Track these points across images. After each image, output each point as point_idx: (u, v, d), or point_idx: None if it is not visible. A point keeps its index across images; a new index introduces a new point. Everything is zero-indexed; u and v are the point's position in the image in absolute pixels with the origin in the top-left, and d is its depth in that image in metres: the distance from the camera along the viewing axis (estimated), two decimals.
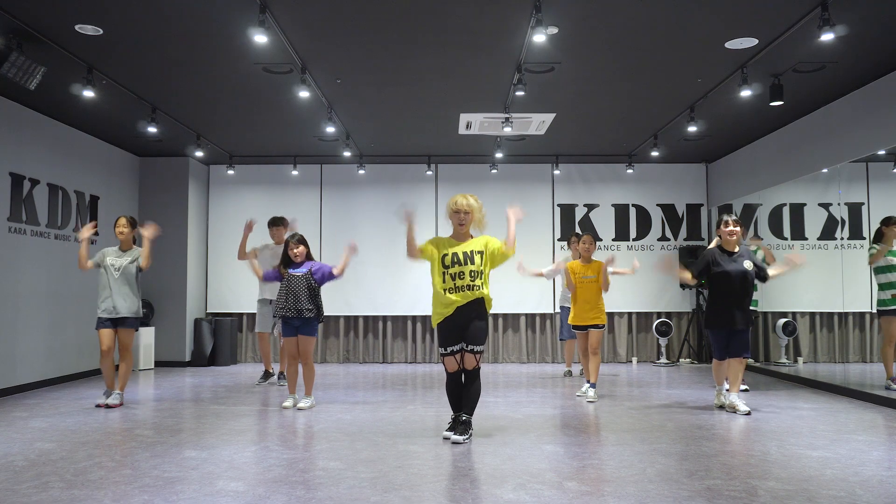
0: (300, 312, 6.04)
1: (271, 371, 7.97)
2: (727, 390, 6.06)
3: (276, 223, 7.86)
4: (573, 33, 5.59)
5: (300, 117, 8.00)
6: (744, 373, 6.14)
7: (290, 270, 6.17)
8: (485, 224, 4.99)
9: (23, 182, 7.39)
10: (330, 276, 6.18)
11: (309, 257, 6.29)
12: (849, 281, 7.50)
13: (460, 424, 4.83)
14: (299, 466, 4.14)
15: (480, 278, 4.81)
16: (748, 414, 5.75)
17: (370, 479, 3.82)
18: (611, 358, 10.46)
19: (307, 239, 6.36)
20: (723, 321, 5.85)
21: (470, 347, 4.82)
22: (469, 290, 4.78)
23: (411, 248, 4.93)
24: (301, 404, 6.16)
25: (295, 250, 6.18)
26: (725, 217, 5.97)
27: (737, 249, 5.91)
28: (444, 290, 4.80)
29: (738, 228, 5.90)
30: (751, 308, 6.11)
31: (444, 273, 4.83)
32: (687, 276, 5.99)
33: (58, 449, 4.60)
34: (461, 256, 4.83)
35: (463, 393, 4.91)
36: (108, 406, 6.23)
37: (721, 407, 6.12)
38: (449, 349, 4.85)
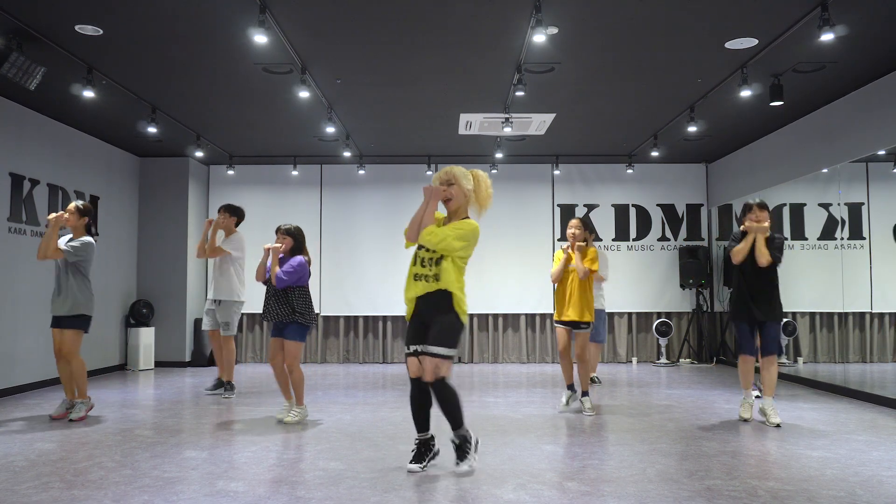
0: (284, 317, 5.55)
1: (224, 379, 7.14)
2: (757, 396, 5.50)
3: (224, 209, 7.20)
4: (573, 33, 5.58)
5: (300, 117, 8.00)
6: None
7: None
8: (484, 199, 4.08)
9: (23, 182, 7.38)
10: (297, 278, 5.58)
11: (298, 252, 5.72)
12: (849, 281, 7.49)
13: (456, 448, 4.01)
14: (299, 466, 4.14)
15: (437, 267, 3.93)
16: (778, 426, 5.26)
17: (370, 480, 3.82)
18: (611, 358, 10.46)
19: (306, 236, 5.85)
20: (742, 314, 5.48)
21: (425, 348, 3.89)
22: (425, 280, 3.95)
23: (413, 232, 3.99)
24: (287, 418, 5.56)
25: (279, 240, 5.67)
26: (750, 202, 5.53)
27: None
28: (411, 275, 4.03)
29: (764, 213, 5.45)
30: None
31: (415, 254, 4.06)
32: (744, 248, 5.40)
33: (58, 449, 4.60)
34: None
35: (429, 412, 4.03)
36: (67, 419, 5.59)
37: (746, 420, 5.49)
38: (412, 348, 3.98)
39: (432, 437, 4.16)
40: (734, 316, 5.59)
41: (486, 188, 4.12)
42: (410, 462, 4.04)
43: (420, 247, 4.02)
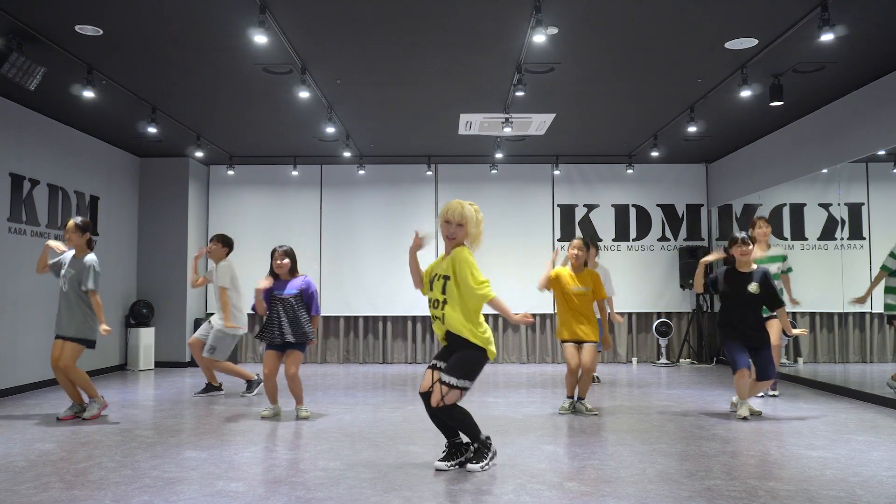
0: (290, 338, 5.60)
1: (216, 384, 7.21)
2: (761, 395, 5.98)
3: (217, 239, 7.21)
4: (573, 33, 5.58)
5: (300, 117, 8.00)
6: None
7: (276, 292, 5.66)
8: (480, 242, 4.01)
9: (23, 182, 7.38)
10: (314, 305, 5.78)
11: (294, 272, 5.80)
12: (849, 281, 7.49)
13: (475, 451, 4.06)
14: (299, 466, 4.14)
15: (442, 309, 3.93)
16: (754, 415, 5.73)
17: (370, 480, 3.82)
18: (611, 358, 10.46)
19: (294, 250, 5.94)
20: (732, 334, 5.66)
21: (440, 377, 3.92)
22: (440, 321, 3.98)
23: (415, 280, 4.18)
24: (303, 414, 5.74)
25: (279, 261, 5.69)
26: (735, 236, 5.74)
27: (752, 268, 5.74)
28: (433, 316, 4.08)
29: (748, 247, 5.65)
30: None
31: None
32: (700, 283, 6.04)
33: (58, 449, 4.60)
34: (433, 280, 4.01)
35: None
36: (74, 419, 5.63)
37: (745, 419, 5.62)
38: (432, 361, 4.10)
39: (462, 442, 4.11)
40: (725, 335, 5.72)
41: (481, 229, 4.06)
42: (438, 460, 4.07)
43: (427, 288, 4.12)
